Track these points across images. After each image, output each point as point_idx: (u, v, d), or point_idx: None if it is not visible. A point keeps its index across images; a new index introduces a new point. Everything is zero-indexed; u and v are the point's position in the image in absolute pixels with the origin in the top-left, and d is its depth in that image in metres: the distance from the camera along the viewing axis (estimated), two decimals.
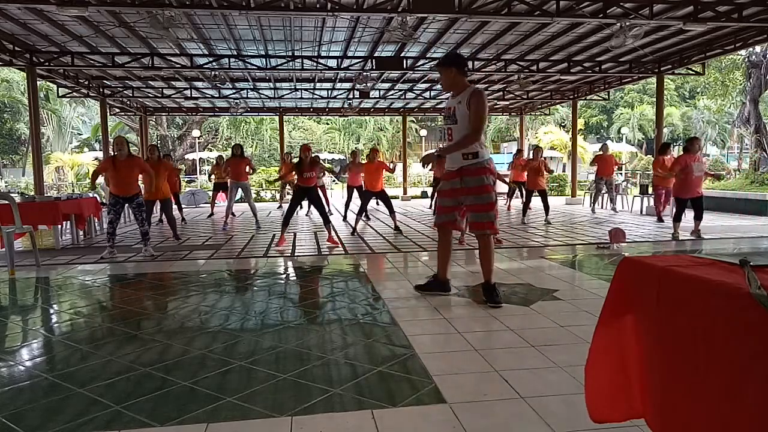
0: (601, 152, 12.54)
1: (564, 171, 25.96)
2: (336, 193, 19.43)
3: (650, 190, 12.94)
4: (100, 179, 8.80)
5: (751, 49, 15.81)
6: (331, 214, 8.10)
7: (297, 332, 3.51)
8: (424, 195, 18.91)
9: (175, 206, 11.44)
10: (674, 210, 8.02)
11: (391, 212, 9.11)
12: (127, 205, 6.89)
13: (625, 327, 1.67)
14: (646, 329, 1.58)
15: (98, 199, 9.67)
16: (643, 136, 37.02)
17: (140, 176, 7.12)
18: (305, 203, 8.89)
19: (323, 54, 11.73)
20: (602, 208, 13.20)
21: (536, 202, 10.88)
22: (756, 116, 17.19)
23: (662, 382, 1.51)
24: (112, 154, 6.87)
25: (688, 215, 8.01)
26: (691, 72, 13.61)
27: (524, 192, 10.88)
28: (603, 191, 12.82)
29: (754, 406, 1.14)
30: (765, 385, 1.11)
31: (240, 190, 10.29)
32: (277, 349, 3.16)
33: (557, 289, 4.61)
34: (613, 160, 12.71)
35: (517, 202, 13.45)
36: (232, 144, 12.99)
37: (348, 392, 2.52)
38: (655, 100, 14.68)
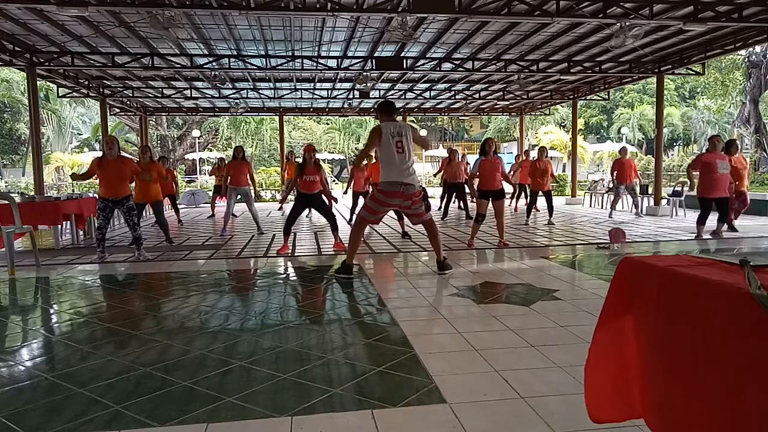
0: (620, 156, 11.62)
1: (564, 171, 25.93)
2: (335, 193, 19.38)
3: (650, 189, 12.91)
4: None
5: (751, 49, 15.86)
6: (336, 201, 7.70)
7: (297, 332, 3.51)
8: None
9: (172, 209, 11.43)
10: (699, 212, 7.97)
11: (400, 217, 8.82)
12: (117, 209, 6.62)
13: (625, 327, 1.67)
14: (646, 329, 1.58)
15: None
16: (643, 136, 37.03)
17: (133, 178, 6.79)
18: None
19: (323, 54, 11.72)
20: (629, 211, 12.46)
21: (541, 202, 10.84)
22: (756, 116, 17.22)
23: (662, 382, 1.50)
24: (102, 153, 6.62)
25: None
26: (691, 72, 13.60)
27: (529, 193, 10.82)
28: (622, 195, 11.81)
29: (754, 406, 1.14)
30: (765, 385, 1.11)
31: (239, 196, 9.50)
32: (277, 349, 3.16)
33: (557, 289, 4.61)
34: (633, 165, 11.63)
35: (522, 203, 13.35)
36: (234, 145, 12.83)
37: (348, 392, 2.53)
38: (655, 100, 14.66)
